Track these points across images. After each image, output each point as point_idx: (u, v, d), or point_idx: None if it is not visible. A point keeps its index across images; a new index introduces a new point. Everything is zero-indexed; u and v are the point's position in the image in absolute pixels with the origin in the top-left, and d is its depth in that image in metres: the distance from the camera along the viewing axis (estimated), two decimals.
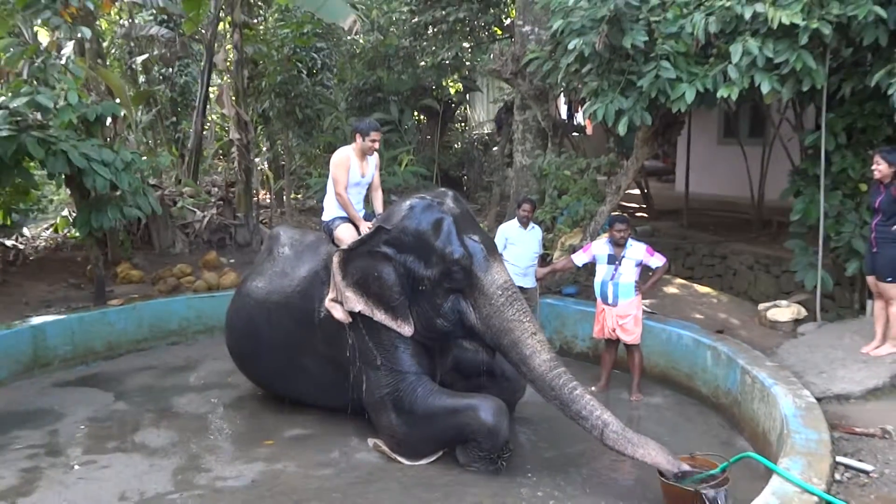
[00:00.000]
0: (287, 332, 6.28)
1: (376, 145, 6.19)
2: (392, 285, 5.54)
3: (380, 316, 5.56)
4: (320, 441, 6.11)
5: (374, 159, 6.37)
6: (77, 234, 10.10)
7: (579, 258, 7.08)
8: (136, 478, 5.49)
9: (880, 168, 6.02)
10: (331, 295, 5.83)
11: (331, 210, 6.25)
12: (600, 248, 6.94)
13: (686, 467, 4.73)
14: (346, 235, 6.01)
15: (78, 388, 7.55)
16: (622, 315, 6.81)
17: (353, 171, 6.15)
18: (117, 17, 15.34)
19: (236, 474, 5.56)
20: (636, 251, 6.80)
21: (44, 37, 10.54)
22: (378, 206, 6.36)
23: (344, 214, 6.16)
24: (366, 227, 5.90)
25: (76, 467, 5.74)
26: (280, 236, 6.89)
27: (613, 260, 6.81)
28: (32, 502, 5.15)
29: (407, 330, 5.54)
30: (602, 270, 6.90)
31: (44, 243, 11.39)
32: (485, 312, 5.35)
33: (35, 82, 8.10)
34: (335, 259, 5.73)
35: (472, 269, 5.36)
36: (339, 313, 5.75)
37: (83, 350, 8.25)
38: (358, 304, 5.60)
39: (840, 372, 5.88)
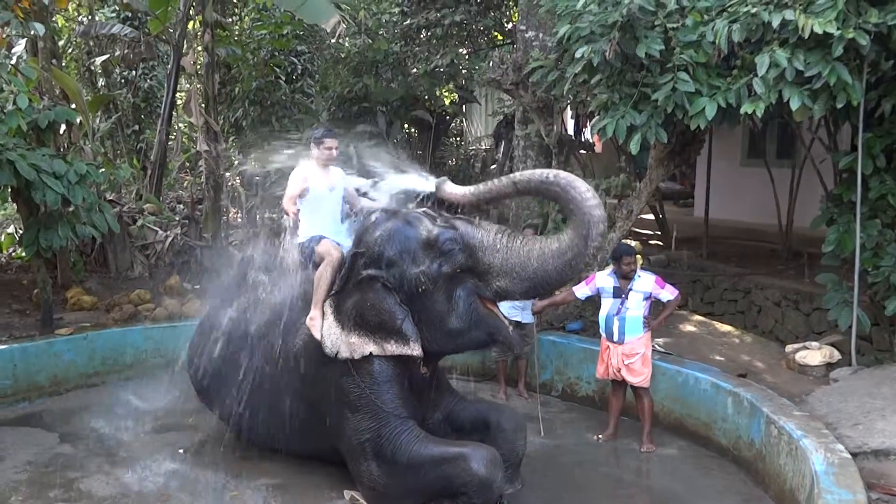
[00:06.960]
0: (262, 370, 6.24)
1: (333, 153, 6.24)
2: (389, 307, 5.58)
3: (391, 347, 5.58)
4: (292, 492, 6.05)
5: (338, 173, 6.37)
6: (24, 254, 10.04)
7: (581, 291, 7.06)
8: None
9: None
10: (312, 314, 5.83)
11: (306, 229, 6.21)
12: (604, 279, 6.92)
13: None
14: (326, 249, 5.98)
15: (18, 427, 7.45)
16: (629, 354, 6.78)
17: (316, 183, 6.15)
18: (75, 14, 15.40)
19: None
20: (644, 283, 6.79)
21: None
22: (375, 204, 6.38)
23: (320, 234, 6.13)
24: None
25: None
26: (252, 260, 6.85)
27: (619, 293, 6.80)
28: None
29: (417, 350, 5.56)
30: (607, 304, 6.89)
31: None
32: (498, 261, 5.43)
33: None
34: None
35: (466, 240, 5.50)
36: (318, 332, 5.77)
37: (25, 385, 8.13)
38: (368, 346, 5.63)
39: (878, 424, 5.83)
